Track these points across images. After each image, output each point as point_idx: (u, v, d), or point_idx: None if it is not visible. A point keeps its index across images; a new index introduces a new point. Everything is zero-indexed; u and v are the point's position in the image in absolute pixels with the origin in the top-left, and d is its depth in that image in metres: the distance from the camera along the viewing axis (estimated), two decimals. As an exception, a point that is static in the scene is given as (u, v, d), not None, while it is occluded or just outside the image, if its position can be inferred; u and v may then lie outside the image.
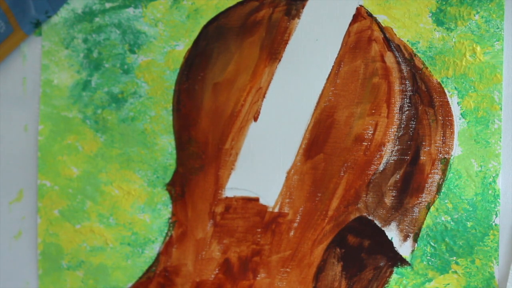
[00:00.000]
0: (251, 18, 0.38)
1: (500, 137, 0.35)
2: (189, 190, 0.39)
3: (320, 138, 0.37)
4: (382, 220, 0.37)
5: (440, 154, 0.36)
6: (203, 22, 0.38)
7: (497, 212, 0.35)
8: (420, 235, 0.36)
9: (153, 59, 0.39)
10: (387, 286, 0.36)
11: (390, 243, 0.36)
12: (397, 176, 0.36)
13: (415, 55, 0.36)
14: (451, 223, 0.36)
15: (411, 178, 0.36)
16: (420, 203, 0.36)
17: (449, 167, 0.36)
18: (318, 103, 0.37)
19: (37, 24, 0.39)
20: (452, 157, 0.36)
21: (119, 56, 0.39)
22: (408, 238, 0.36)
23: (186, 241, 0.39)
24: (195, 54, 0.38)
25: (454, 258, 0.36)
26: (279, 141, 0.37)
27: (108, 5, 0.39)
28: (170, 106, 0.39)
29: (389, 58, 0.36)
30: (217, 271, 0.38)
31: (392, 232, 0.37)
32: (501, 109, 0.35)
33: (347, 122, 0.37)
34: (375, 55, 0.36)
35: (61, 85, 0.40)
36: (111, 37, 0.39)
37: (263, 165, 0.38)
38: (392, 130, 0.36)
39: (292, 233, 0.38)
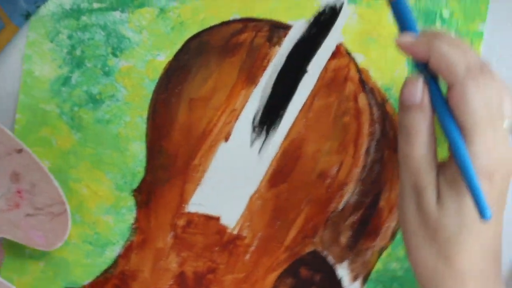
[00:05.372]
0: (233, 39, 0.61)
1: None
2: (155, 199, 0.63)
3: (286, 168, 0.60)
4: (335, 257, 0.60)
5: (399, 201, 0.58)
6: (187, 35, 0.62)
7: (449, 266, 0.58)
8: (369, 278, 0.59)
9: (134, 66, 0.63)
10: (330, 322, 0.60)
11: (339, 281, 0.60)
12: (355, 217, 0.59)
13: (387, 100, 0.58)
14: (401, 271, 0.59)
15: (369, 221, 0.59)
16: (374, 246, 0.59)
17: (406, 215, 0.58)
18: (288, 133, 0.60)
19: (28, 16, 0.63)
20: (410, 206, 0.58)
21: (101, 58, 0.63)
22: (357, 279, 0.60)
23: (146, 248, 0.64)
24: (175, 66, 0.62)
25: (400, 304, 0.59)
26: (247, 164, 0.61)
27: (96, 5, 0.63)
28: (145, 114, 0.63)
29: (362, 100, 0.59)
30: (172, 282, 0.63)
31: (343, 271, 0.60)
32: (463, 166, 0.57)
33: (314, 157, 0.60)
34: (349, 94, 0.59)
35: (42, 78, 0.64)
36: (96, 37, 0.63)
37: (228, 186, 0.61)
38: (356, 171, 0.59)
39: (248, 256, 0.62)
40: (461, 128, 0.42)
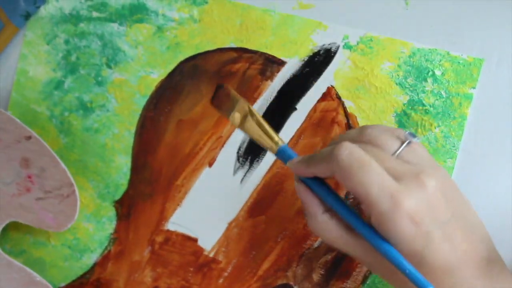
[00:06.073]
0: (226, 67, 0.69)
1: (431, 249, 0.66)
2: (135, 213, 0.73)
3: (265, 201, 0.70)
4: (305, 293, 0.70)
5: (373, 248, 0.68)
6: (181, 57, 0.70)
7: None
8: (336, 317, 0.70)
9: (127, 79, 0.72)
10: None
11: (306, 316, 0.70)
12: (329, 257, 0.69)
13: (372, 148, 0.67)
14: (367, 314, 0.69)
15: (341, 262, 0.68)
16: (344, 288, 0.69)
17: (378, 262, 0.68)
18: (271, 167, 0.69)
19: (27, 16, 0.71)
20: (383, 254, 0.68)
21: (95, 67, 0.72)
22: (324, 317, 0.70)
23: (122, 259, 0.74)
24: (167, 86, 0.71)
25: None
26: (228, 192, 0.70)
27: (95, 14, 0.72)
28: (133, 129, 0.72)
29: (347, 144, 0.67)
30: (144, 296, 0.74)
31: (311, 307, 0.70)
32: (438, 223, 0.66)
33: (294, 193, 0.68)
34: (335, 137, 0.68)
35: (35, 78, 0.74)
36: (92, 46, 0.72)
37: (208, 210, 0.71)
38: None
39: (221, 281, 0.72)
40: (362, 203, 0.51)
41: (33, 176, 0.67)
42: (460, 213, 0.52)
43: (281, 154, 0.57)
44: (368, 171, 0.49)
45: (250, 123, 0.59)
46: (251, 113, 0.59)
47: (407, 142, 0.53)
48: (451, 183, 0.53)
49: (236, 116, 0.60)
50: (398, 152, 0.53)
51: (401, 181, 0.50)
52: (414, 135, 0.53)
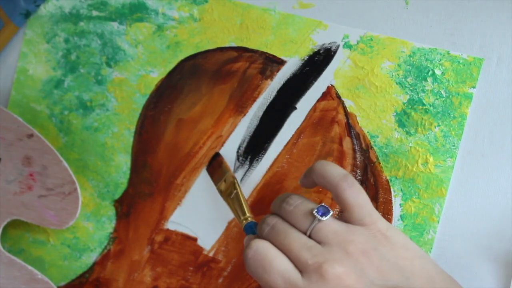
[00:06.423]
0: (227, 67, 0.69)
1: (431, 248, 0.66)
2: (135, 212, 0.73)
3: (265, 200, 0.70)
4: (305, 292, 0.70)
5: (372, 247, 0.68)
6: (181, 56, 0.70)
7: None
8: (335, 317, 0.70)
9: (127, 78, 0.72)
10: None
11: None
12: (328, 256, 0.69)
13: (371, 147, 0.67)
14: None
15: (341, 262, 0.69)
16: (343, 287, 0.69)
17: (378, 262, 0.68)
18: (271, 166, 0.69)
19: (27, 15, 0.71)
20: (382, 254, 0.68)
21: (95, 66, 0.72)
22: (323, 316, 0.70)
23: (122, 259, 0.74)
24: (167, 85, 0.71)
25: None
26: (228, 191, 0.71)
27: (95, 13, 0.72)
28: (133, 128, 0.72)
29: (347, 144, 0.67)
30: (144, 295, 0.74)
31: (310, 306, 0.70)
32: (438, 222, 0.66)
33: (294, 193, 0.69)
34: (335, 136, 0.68)
35: (35, 77, 0.74)
36: (92, 45, 0.72)
37: (208, 209, 0.71)
38: (334, 213, 0.69)
39: (220, 280, 0.72)
40: None
41: (35, 174, 0.68)
42: (381, 276, 0.53)
43: (247, 231, 0.60)
44: (271, 273, 0.53)
45: (231, 196, 0.64)
46: (234, 187, 0.64)
47: (316, 220, 0.54)
48: (374, 248, 0.54)
49: (223, 185, 0.66)
50: (308, 232, 0.54)
51: (305, 274, 0.52)
52: (324, 212, 0.55)
